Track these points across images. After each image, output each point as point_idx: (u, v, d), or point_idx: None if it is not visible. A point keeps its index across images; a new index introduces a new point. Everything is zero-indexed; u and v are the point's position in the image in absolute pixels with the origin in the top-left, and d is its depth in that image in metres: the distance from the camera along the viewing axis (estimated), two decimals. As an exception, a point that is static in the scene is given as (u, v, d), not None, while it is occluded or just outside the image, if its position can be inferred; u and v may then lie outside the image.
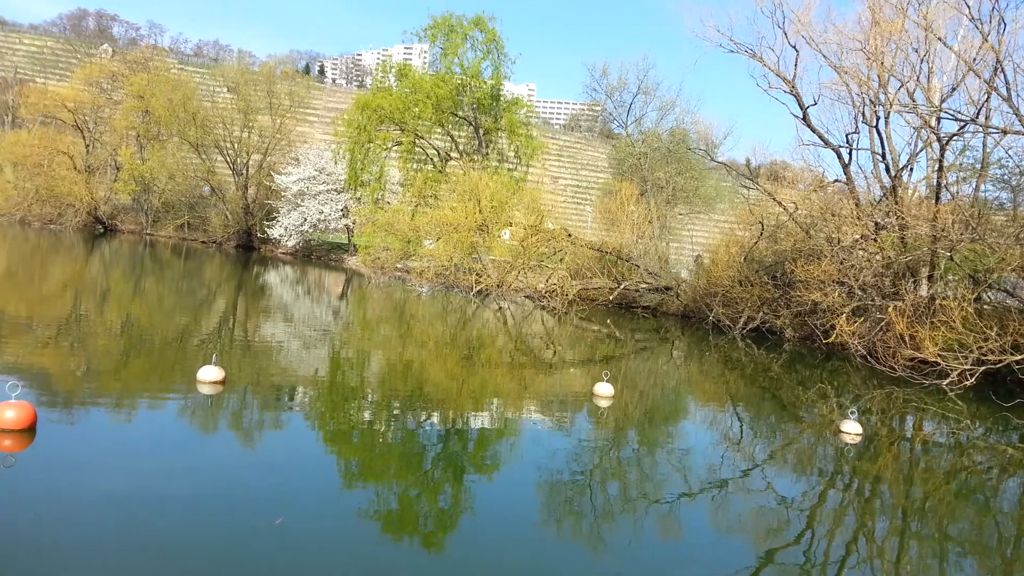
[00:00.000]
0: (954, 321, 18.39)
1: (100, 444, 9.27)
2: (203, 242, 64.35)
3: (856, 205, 27.10)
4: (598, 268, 36.05)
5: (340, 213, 57.25)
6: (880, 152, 26.52)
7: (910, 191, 27.27)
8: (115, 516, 7.05)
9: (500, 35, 51.57)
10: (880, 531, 9.27)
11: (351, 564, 6.76)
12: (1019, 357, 17.45)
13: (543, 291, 35.12)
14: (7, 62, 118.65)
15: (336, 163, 56.21)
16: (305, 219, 56.78)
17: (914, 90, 24.87)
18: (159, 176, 64.66)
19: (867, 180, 28.05)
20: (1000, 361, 17.61)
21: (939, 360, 17.92)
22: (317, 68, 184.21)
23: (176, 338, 18.18)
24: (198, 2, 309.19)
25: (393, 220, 46.25)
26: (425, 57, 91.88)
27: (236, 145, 63.48)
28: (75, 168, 66.13)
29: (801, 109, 28.03)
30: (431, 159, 56.08)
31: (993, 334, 17.62)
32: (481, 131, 53.44)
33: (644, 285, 35.43)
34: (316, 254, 59.82)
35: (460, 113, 53.87)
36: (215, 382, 12.46)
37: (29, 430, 8.95)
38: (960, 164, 27.72)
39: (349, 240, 59.84)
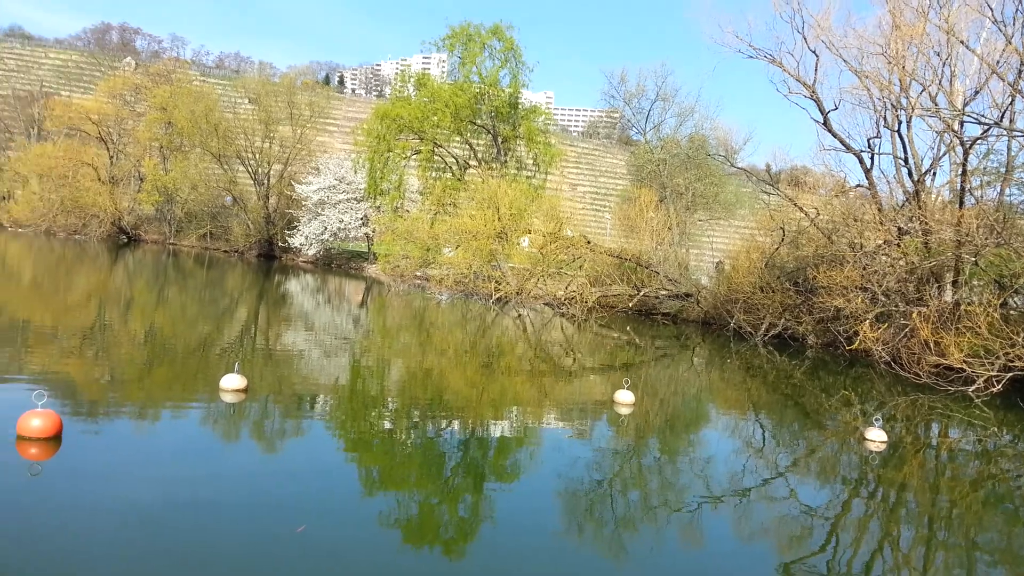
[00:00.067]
0: (980, 327, 18.15)
1: (124, 452, 9.35)
2: (225, 251, 64.99)
3: (879, 210, 26.85)
4: (617, 275, 35.97)
5: (360, 222, 57.61)
6: (902, 157, 26.28)
7: (933, 196, 26.98)
8: (139, 524, 7.10)
9: (518, 44, 51.87)
10: (906, 540, 9.13)
11: (372, 572, 6.76)
12: (1047, 363, 17.18)
13: (562, 298, 35.10)
14: (33, 76, 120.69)
15: (356, 172, 56.59)
16: (325, 228, 57.19)
17: (936, 94, 24.65)
18: (182, 186, 65.48)
19: (889, 185, 27.81)
20: (1027, 367, 17.35)
21: (965, 366, 17.69)
22: (337, 79, 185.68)
23: (199, 347, 18.33)
24: (220, 15, 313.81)
25: (412, 228, 46.46)
26: (443, 66, 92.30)
27: (257, 155, 64.18)
28: (99, 179, 67.16)
29: (822, 114, 27.85)
30: (450, 167, 56.28)
31: (1020, 340, 17.37)
32: (499, 139, 53.56)
33: (664, 292, 35.29)
34: (336, 263, 60.21)
35: (478, 121, 54.05)
36: (237, 390, 12.54)
37: (55, 439, 9.05)
38: (984, 168, 27.36)
39: (369, 248, 60.16)
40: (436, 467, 10.25)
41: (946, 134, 24.92)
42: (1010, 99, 22.47)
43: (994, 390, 17.23)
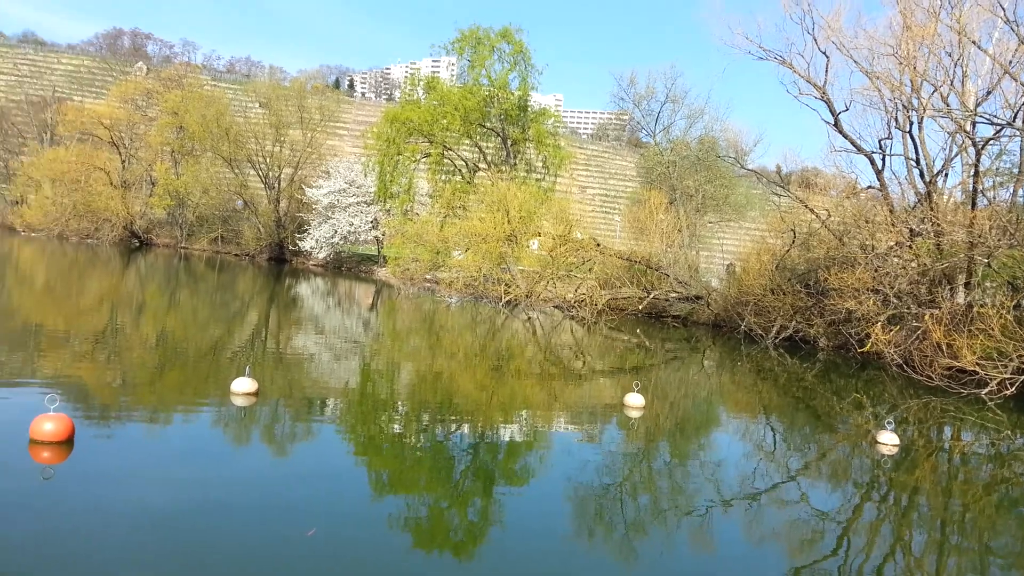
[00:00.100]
0: (993, 329, 18.02)
1: (136, 455, 9.40)
2: (236, 255, 65.23)
3: (890, 211, 26.70)
4: (627, 277, 35.91)
5: (370, 225, 57.74)
6: (914, 157, 26.12)
7: (945, 197, 26.81)
8: (151, 527, 7.14)
9: (527, 46, 51.75)
10: (918, 544, 9.08)
11: (382, 575, 6.77)
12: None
13: (572, 301, 35.06)
14: (46, 81, 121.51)
15: (366, 176, 56.75)
16: (336, 231, 57.35)
17: (948, 94, 24.50)
18: (193, 190, 65.81)
19: (901, 186, 27.62)
20: (1042, 370, 17.21)
21: (978, 369, 17.57)
22: (347, 82, 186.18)
23: (210, 350, 18.42)
24: (230, 20, 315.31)
25: (422, 231, 46.54)
26: (453, 70, 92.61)
27: (268, 159, 64.43)
28: (111, 184, 67.58)
29: (832, 115, 27.73)
30: (459, 170, 56.37)
31: (1033, 342, 17.23)
32: (509, 142, 53.58)
33: (674, 294, 35.20)
34: (346, 266, 60.36)
35: (488, 124, 54.08)
36: (248, 394, 12.58)
37: (67, 442, 9.10)
38: (996, 169, 27.21)
39: (379, 252, 60.28)
40: (446, 470, 10.26)
41: (958, 135, 24.78)
42: (1023, 99, 22.32)
43: (1007, 393, 17.10)
